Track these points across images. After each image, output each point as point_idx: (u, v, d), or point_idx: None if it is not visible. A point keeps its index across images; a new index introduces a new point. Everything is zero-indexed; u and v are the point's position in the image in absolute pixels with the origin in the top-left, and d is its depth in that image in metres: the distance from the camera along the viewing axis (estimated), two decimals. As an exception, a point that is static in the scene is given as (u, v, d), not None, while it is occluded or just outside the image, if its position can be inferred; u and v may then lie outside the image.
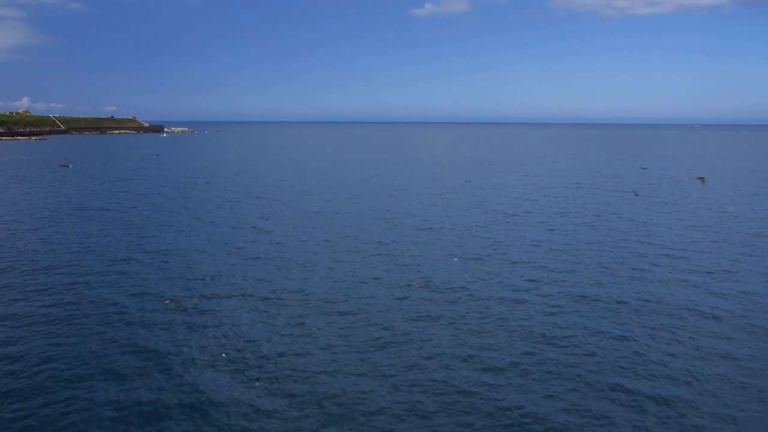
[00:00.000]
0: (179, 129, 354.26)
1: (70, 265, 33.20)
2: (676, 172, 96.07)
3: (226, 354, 21.30)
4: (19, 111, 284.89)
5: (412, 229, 44.45)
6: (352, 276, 31.13)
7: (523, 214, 51.27)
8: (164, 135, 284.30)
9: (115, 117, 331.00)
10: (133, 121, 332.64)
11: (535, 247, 37.98)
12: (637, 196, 63.88)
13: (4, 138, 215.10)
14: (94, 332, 23.27)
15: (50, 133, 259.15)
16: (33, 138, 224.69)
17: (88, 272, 31.89)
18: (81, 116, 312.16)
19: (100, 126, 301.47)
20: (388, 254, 36.05)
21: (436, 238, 41.37)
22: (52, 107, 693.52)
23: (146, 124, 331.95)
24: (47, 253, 36.19)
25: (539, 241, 40.07)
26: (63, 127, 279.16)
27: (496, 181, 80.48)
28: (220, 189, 70.09)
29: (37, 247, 37.69)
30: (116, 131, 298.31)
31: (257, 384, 19.00)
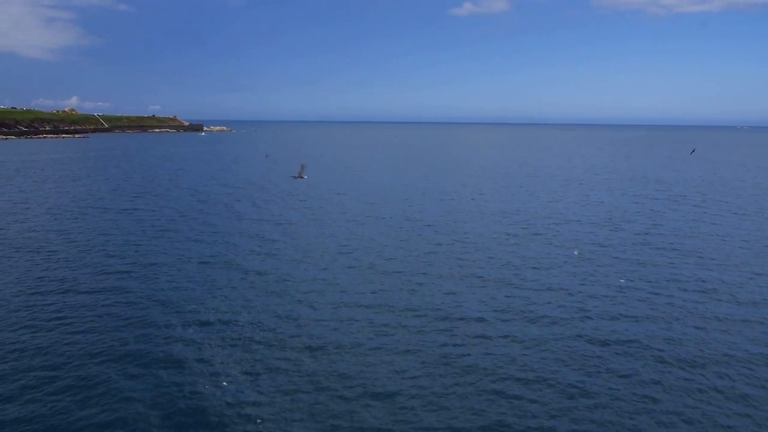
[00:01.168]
0: (217, 128, 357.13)
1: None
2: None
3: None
4: (65, 110, 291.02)
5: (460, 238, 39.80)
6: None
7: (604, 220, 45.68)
8: (202, 134, 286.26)
9: (156, 116, 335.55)
10: (173, 120, 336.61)
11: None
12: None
13: (49, 136, 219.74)
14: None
15: (94, 131, 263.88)
16: (76, 136, 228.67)
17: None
18: (124, 115, 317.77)
19: (141, 125, 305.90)
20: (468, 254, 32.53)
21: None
22: (99, 106, 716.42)
23: (186, 123, 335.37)
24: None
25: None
26: (106, 126, 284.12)
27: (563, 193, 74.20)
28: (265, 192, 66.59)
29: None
30: (157, 130, 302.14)
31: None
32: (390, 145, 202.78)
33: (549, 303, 26.83)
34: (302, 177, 73.85)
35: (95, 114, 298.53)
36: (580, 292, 28.50)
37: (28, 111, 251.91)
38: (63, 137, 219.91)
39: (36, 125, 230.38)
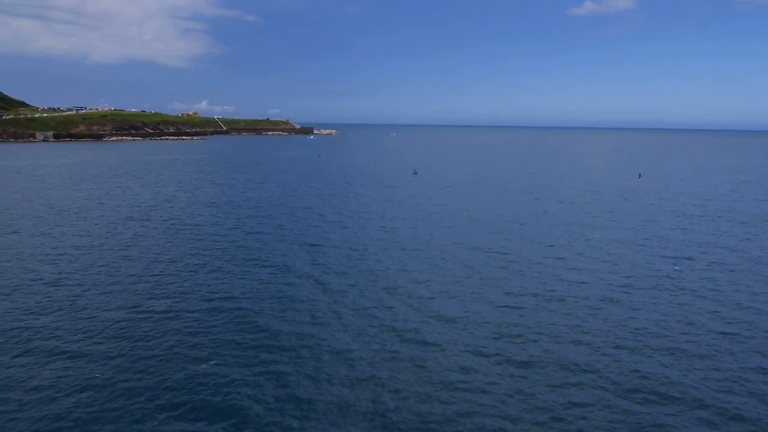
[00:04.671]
0: (327, 131, 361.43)
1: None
2: None
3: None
4: (189, 113, 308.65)
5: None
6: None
7: None
8: (311, 137, 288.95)
9: (270, 119, 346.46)
10: (286, 123, 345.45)
11: None
12: None
13: (171, 138, 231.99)
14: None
15: (213, 133, 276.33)
16: (196, 138, 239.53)
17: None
18: (241, 118, 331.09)
19: (256, 127, 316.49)
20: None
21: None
22: (225, 110, 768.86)
23: (297, 126, 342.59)
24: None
25: None
26: (225, 128, 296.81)
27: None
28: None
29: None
30: (270, 132, 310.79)
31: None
32: (503, 151, 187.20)
33: None
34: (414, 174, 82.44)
35: (215, 117, 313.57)
36: None
37: (155, 114, 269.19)
38: (183, 139, 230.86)
39: (161, 127, 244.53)
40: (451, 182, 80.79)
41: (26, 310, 26.24)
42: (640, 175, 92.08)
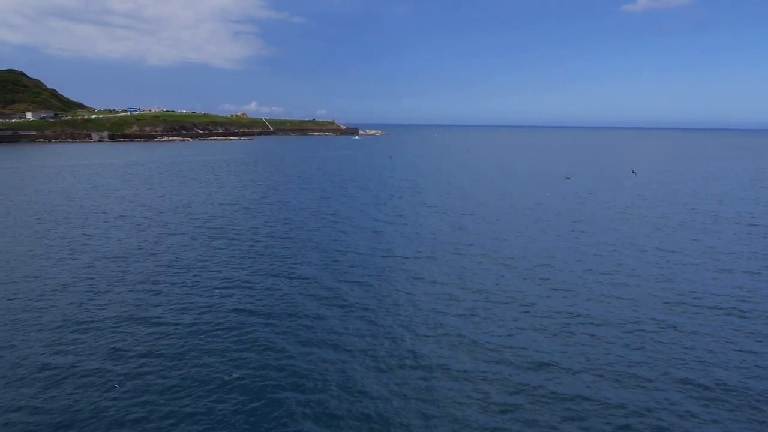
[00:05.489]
0: (372, 131, 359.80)
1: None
2: None
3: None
4: (237, 114, 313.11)
5: None
6: None
7: None
8: (356, 137, 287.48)
9: (315, 120, 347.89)
10: (331, 123, 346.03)
11: None
12: None
13: (219, 138, 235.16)
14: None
15: (260, 133, 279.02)
16: (243, 138, 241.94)
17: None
18: (287, 119, 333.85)
19: (302, 128, 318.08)
20: None
21: None
22: (273, 110, 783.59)
23: (343, 127, 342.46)
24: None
25: None
26: (272, 129, 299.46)
27: None
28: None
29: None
30: (316, 133, 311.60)
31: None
32: (557, 154, 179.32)
33: None
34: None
35: (262, 118, 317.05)
36: None
37: (204, 115, 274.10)
38: (231, 139, 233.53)
39: (210, 128, 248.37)
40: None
41: (32, 317, 23.88)
42: None
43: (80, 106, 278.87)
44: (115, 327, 23.76)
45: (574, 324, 24.52)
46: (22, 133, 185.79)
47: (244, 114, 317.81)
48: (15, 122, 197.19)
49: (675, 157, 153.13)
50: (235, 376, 19.63)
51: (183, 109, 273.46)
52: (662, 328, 24.10)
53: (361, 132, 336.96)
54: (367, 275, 31.66)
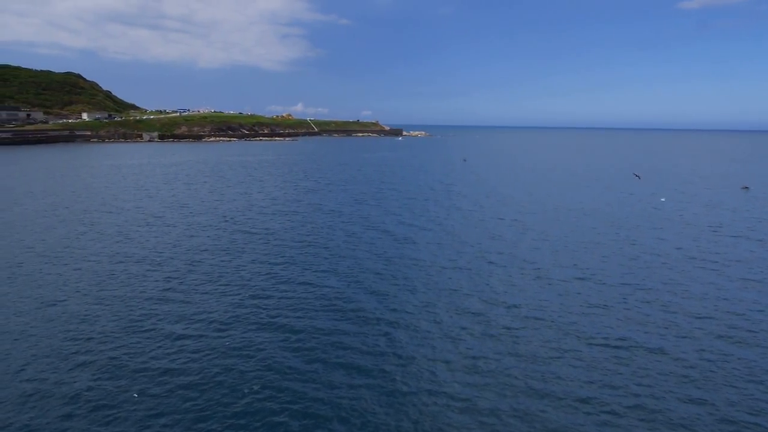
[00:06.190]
0: (416, 132, 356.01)
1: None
2: None
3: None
4: (283, 115, 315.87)
5: None
6: None
7: None
8: (400, 139, 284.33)
9: (360, 120, 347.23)
10: (375, 124, 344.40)
11: None
12: None
13: (265, 138, 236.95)
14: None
15: (305, 134, 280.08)
16: (287, 139, 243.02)
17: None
18: (332, 120, 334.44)
19: (346, 129, 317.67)
20: None
21: None
22: (319, 111, 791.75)
23: (387, 128, 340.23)
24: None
25: None
26: (316, 130, 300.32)
27: None
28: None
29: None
30: (360, 134, 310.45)
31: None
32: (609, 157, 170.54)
33: None
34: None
35: (307, 119, 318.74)
36: None
37: (251, 116, 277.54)
38: (275, 140, 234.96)
39: (256, 129, 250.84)
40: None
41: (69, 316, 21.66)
42: None
43: (133, 107, 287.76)
44: (117, 339, 21.28)
45: (628, 354, 20.30)
46: (77, 133, 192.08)
47: (290, 115, 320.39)
48: (71, 122, 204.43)
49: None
50: (256, 388, 18.18)
51: (231, 110, 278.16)
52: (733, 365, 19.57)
53: (404, 133, 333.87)
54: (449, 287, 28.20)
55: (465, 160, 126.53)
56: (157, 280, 29.73)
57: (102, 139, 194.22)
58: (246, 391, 17.89)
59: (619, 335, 22.71)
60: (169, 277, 30.25)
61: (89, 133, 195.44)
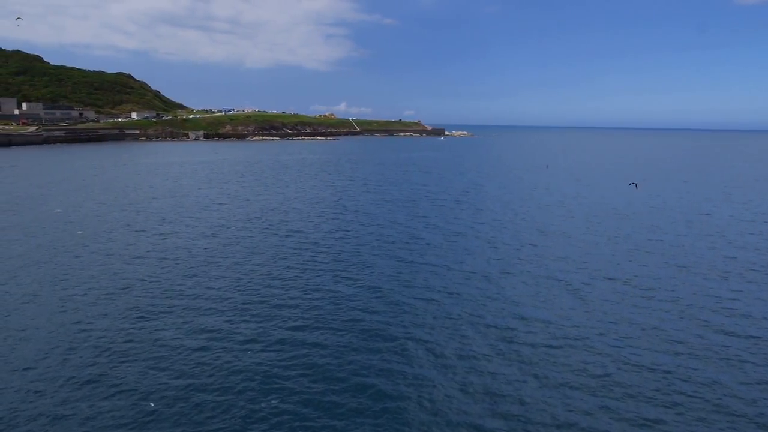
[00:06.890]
0: (459, 132, 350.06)
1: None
2: None
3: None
4: (325, 114, 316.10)
5: None
6: None
7: None
8: (442, 138, 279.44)
9: (402, 120, 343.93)
10: (417, 124, 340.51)
11: None
12: None
13: (307, 138, 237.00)
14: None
15: (347, 134, 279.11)
16: (329, 138, 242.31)
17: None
18: (374, 119, 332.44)
19: (388, 128, 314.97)
20: None
21: None
22: (362, 111, 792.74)
23: (429, 128, 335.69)
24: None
25: None
26: (358, 129, 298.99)
27: None
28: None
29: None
30: (402, 133, 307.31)
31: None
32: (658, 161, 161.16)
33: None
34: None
35: (350, 118, 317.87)
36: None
37: (294, 115, 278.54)
38: (317, 139, 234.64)
39: (299, 128, 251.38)
40: None
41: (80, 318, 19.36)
42: None
43: (180, 106, 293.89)
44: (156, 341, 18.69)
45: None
46: (127, 131, 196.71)
47: (333, 114, 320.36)
48: (121, 121, 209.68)
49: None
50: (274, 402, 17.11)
51: (275, 110, 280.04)
52: None
53: (447, 133, 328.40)
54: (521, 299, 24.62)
55: (547, 167, 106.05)
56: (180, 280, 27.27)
57: (150, 138, 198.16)
58: (263, 405, 16.74)
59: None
60: (190, 275, 27.76)
61: (138, 131, 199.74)
